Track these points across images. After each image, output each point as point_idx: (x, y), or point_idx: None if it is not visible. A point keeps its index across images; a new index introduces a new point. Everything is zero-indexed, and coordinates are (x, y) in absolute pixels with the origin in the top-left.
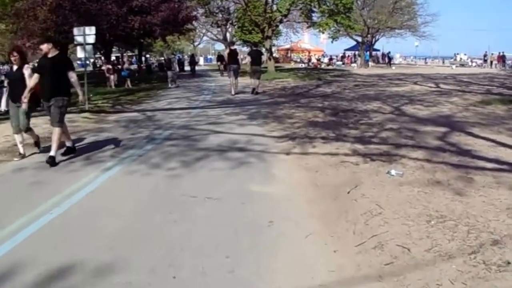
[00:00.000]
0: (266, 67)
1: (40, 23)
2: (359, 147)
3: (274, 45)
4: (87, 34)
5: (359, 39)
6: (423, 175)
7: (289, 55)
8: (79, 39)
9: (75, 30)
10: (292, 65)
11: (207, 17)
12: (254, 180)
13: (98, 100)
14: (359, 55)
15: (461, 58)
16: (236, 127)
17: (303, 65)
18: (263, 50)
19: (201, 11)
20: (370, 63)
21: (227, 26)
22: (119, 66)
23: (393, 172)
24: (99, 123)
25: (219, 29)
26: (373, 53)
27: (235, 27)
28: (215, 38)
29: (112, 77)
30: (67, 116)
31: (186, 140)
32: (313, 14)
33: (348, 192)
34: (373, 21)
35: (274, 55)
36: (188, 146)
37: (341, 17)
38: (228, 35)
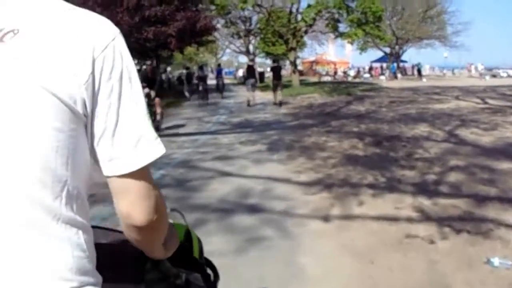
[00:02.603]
0: (290, 81)
1: None
2: (425, 203)
3: (298, 57)
4: None
5: (387, 50)
6: None
7: (314, 67)
8: None
9: None
10: (318, 78)
11: (228, 28)
12: (269, 283)
13: None
14: (387, 67)
15: (476, 68)
16: (251, 165)
17: (329, 78)
18: (287, 62)
19: (222, 21)
20: (398, 75)
21: (250, 38)
22: None
23: (495, 261)
24: None
25: (241, 40)
26: (401, 64)
27: (258, 38)
28: (238, 50)
29: None
30: None
31: (178, 189)
32: (339, 24)
33: None
34: (401, 31)
35: (298, 67)
36: (178, 202)
37: (370, 27)
38: (251, 47)
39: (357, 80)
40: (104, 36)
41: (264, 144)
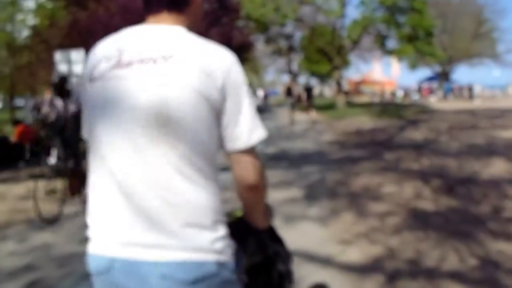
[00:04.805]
0: (333, 103)
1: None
2: None
3: (342, 77)
4: (73, 62)
5: (437, 68)
6: None
7: (359, 87)
8: (63, 68)
9: (58, 55)
10: (364, 99)
11: (268, 44)
12: None
13: None
14: (439, 87)
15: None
16: (279, 226)
17: (376, 99)
18: (334, 82)
19: (262, 38)
20: (448, 96)
21: (292, 56)
22: None
23: None
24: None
25: (283, 59)
26: (452, 85)
27: (301, 57)
28: (280, 69)
29: None
30: None
31: None
32: (387, 41)
33: None
34: (451, 49)
35: (343, 88)
36: None
37: (421, 43)
38: (295, 65)
39: (405, 101)
40: (227, 59)
41: (300, 187)
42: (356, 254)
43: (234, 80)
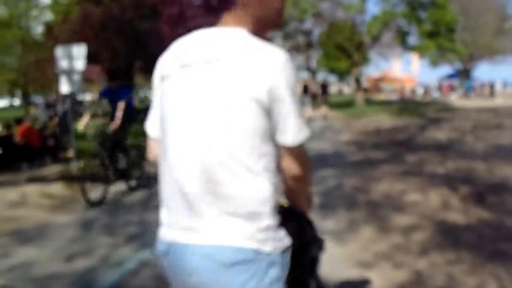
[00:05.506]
0: (352, 100)
1: None
2: None
3: (362, 74)
4: (74, 58)
5: (457, 65)
6: None
7: (378, 85)
8: (64, 64)
9: (58, 50)
10: (383, 96)
11: (286, 40)
12: None
13: None
14: (460, 84)
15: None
16: None
17: (396, 97)
18: (353, 79)
19: (279, 34)
20: (470, 94)
21: (311, 52)
22: None
23: None
24: (53, 212)
25: (302, 56)
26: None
27: (319, 53)
28: (299, 66)
29: None
30: None
31: None
32: (408, 36)
33: None
34: (473, 45)
35: (363, 85)
36: None
37: (443, 39)
38: (314, 62)
39: (426, 99)
40: (278, 61)
41: (315, 194)
42: (377, 280)
43: (283, 82)
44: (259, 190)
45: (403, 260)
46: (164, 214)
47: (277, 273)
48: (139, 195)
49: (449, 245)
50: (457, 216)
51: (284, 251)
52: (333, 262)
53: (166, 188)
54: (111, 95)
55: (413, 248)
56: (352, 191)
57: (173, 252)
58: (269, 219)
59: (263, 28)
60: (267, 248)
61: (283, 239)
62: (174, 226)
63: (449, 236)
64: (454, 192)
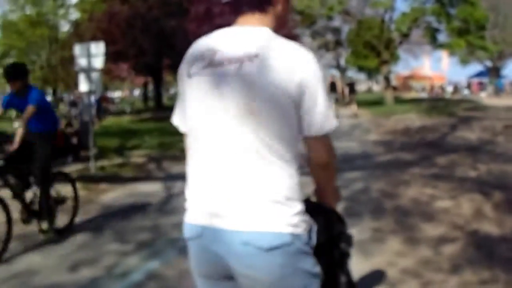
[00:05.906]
0: (382, 98)
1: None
2: None
3: (391, 72)
4: (92, 55)
5: (487, 63)
6: None
7: (408, 82)
8: (82, 62)
9: (77, 49)
10: (413, 94)
11: (314, 38)
12: None
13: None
14: (490, 82)
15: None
16: None
17: (425, 95)
18: (382, 77)
19: (308, 32)
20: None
21: (340, 50)
22: None
23: None
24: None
25: (331, 54)
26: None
27: (348, 51)
28: (329, 64)
29: None
30: None
31: None
32: (438, 34)
33: None
34: (503, 43)
35: (392, 83)
36: None
37: (473, 37)
38: (343, 60)
39: (455, 97)
40: (305, 58)
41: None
42: None
43: (311, 76)
44: (291, 176)
45: (432, 278)
46: (193, 199)
47: (309, 252)
48: None
49: (483, 261)
50: (490, 226)
51: (310, 231)
52: (356, 279)
53: (198, 175)
54: (17, 101)
55: (444, 263)
56: (379, 195)
57: (207, 237)
58: (300, 204)
59: (278, 27)
60: (299, 230)
61: (309, 221)
62: (207, 211)
63: (482, 250)
64: (486, 199)
